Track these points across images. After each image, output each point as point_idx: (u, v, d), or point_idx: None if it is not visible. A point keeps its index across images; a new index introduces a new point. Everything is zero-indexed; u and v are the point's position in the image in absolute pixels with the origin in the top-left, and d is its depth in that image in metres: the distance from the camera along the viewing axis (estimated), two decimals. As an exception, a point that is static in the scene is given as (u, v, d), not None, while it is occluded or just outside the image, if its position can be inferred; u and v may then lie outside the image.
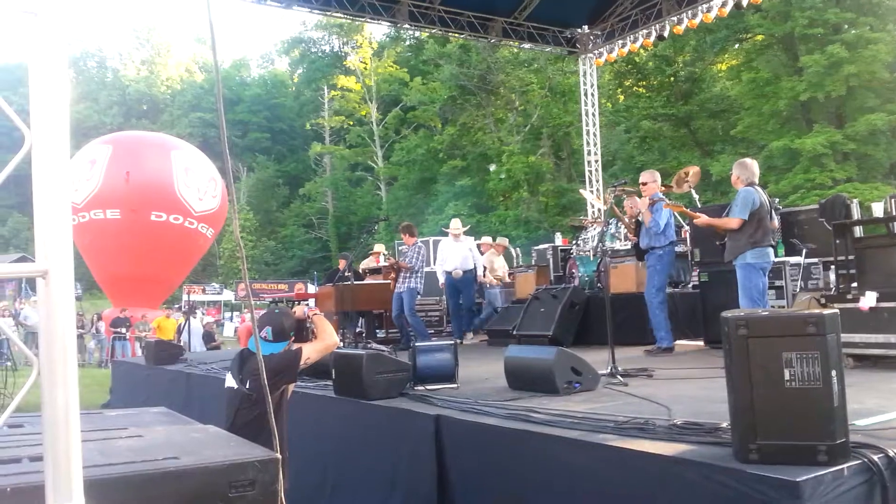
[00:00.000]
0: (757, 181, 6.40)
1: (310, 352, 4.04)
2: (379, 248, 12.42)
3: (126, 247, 22.00)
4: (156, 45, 63.13)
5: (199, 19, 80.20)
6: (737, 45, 32.52)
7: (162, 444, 2.60)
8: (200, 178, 23.78)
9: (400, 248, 11.90)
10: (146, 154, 23.24)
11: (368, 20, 13.88)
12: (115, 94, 58.40)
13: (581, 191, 15.17)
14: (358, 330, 10.28)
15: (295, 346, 4.05)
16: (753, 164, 6.47)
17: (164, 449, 2.47)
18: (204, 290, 36.40)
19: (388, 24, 14.22)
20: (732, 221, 6.22)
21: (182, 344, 12.83)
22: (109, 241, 22.19)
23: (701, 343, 7.74)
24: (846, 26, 26.47)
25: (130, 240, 21.92)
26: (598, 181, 15.59)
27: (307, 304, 10.12)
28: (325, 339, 4.20)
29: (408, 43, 52.01)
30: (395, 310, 9.74)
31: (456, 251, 10.26)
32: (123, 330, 20.05)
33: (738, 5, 12.43)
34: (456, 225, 10.53)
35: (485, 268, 11.36)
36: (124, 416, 3.41)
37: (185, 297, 23.31)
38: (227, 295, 39.19)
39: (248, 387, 3.77)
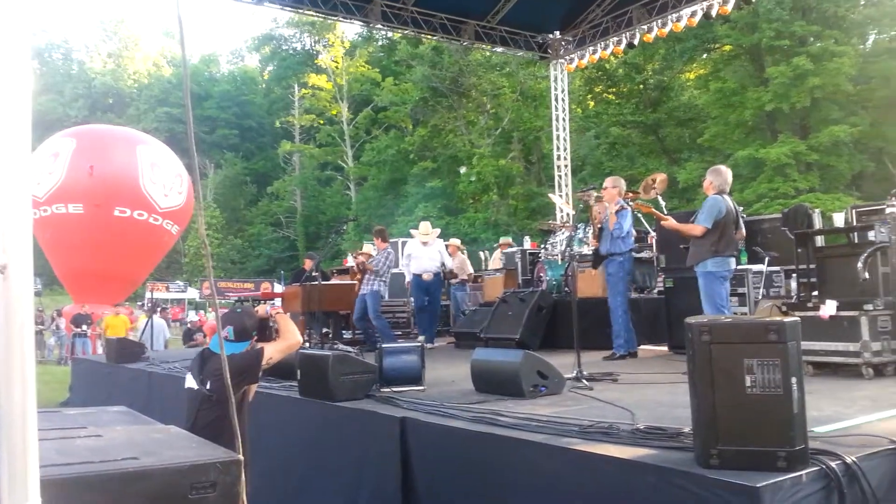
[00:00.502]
0: (728, 189, 6.49)
1: (272, 352, 3.98)
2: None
3: (88, 242, 21.60)
4: (123, 37, 62.11)
5: (169, 13, 79.24)
6: (705, 55, 33.02)
7: (121, 444, 2.56)
8: (166, 174, 23.45)
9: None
10: (111, 148, 22.84)
11: (341, 19, 13.80)
12: (80, 87, 57.35)
13: (550, 195, 15.28)
14: (325, 331, 10.21)
15: (257, 346, 3.99)
16: (727, 173, 6.55)
17: (123, 449, 2.43)
18: (168, 288, 35.91)
19: (361, 23, 14.14)
20: (696, 228, 6.30)
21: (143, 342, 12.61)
22: (71, 236, 21.76)
23: (665, 348, 7.82)
24: (811, 39, 27.01)
25: (93, 235, 21.51)
26: (567, 186, 15.69)
27: (272, 303, 10.05)
28: (288, 339, 4.14)
29: (380, 43, 51.89)
30: (356, 311, 9.71)
31: (425, 253, 10.08)
32: (84, 327, 19.67)
33: (707, 16, 12.61)
34: (426, 230, 10.33)
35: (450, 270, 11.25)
36: (83, 415, 3.34)
37: (148, 295, 22.94)
38: (192, 293, 38.72)
39: (208, 387, 3.71)
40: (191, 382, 3.86)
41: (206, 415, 3.62)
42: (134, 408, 3.72)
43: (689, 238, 6.53)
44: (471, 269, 12.75)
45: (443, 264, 10.25)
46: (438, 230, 10.78)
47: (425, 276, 9.90)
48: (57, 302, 28.32)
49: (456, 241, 12.83)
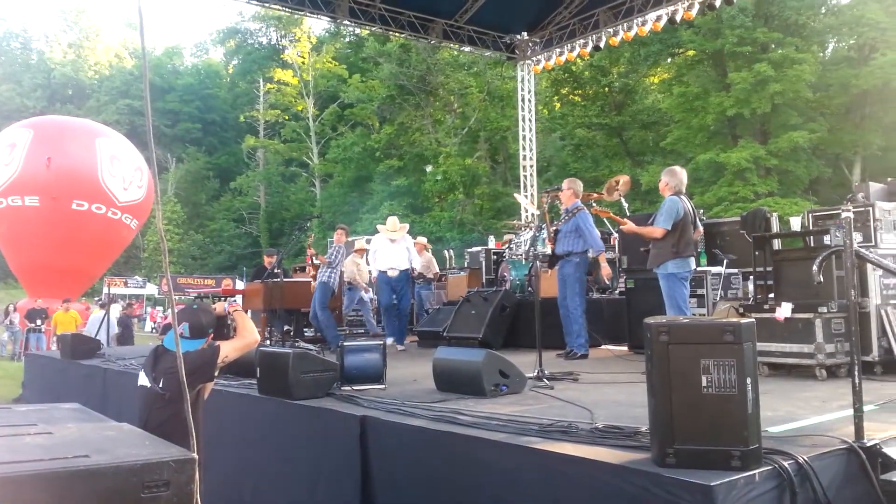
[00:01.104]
0: (684, 190, 6.55)
1: (228, 350, 3.89)
2: (360, 244, 11.72)
3: (45, 236, 21.13)
4: (84, 28, 60.80)
5: (131, 3, 77.82)
6: (669, 60, 33.48)
7: (73, 442, 2.50)
8: (126, 167, 23.03)
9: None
10: (69, 140, 22.36)
11: (308, 14, 13.70)
12: (39, 77, 55.98)
13: (515, 195, 15.34)
14: (286, 328, 10.11)
15: (214, 344, 3.92)
16: (682, 173, 6.60)
17: (74, 447, 2.38)
18: (126, 284, 35.20)
19: (328, 19, 14.05)
20: (656, 230, 6.34)
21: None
22: (27, 230, 21.29)
23: (625, 348, 7.90)
24: (773, 46, 27.55)
25: (49, 229, 21.05)
26: (532, 186, 15.79)
27: (232, 300, 9.90)
28: (246, 337, 4.06)
29: (347, 39, 51.63)
30: (311, 308, 9.60)
31: (392, 248, 9.61)
32: (39, 322, 19.22)
33: (671, 20, 12.77)
34: (394, 226, 9.77)
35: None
36: (34, 412, 3.26)
37: (105, 290, 22.50)
38: (151, 289, 38.08)
39: (161, 385, 3.63)
40: (144, 380, 3.78)
41: (159, 413, 3.55)
42: (89, 405, 3.65)
43: (649, 240, 6.60)
44: (436, 269, 12.74)
45: (410, 263, 9.76)
46: (407, 226, 10.27)
47: (391, 273, 9.40)
48: (11, 296, 27.68)
49: (423, 240, 12.78)
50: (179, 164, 53.41)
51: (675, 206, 6.28)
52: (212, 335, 3.95)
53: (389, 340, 8.96)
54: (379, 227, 10.21)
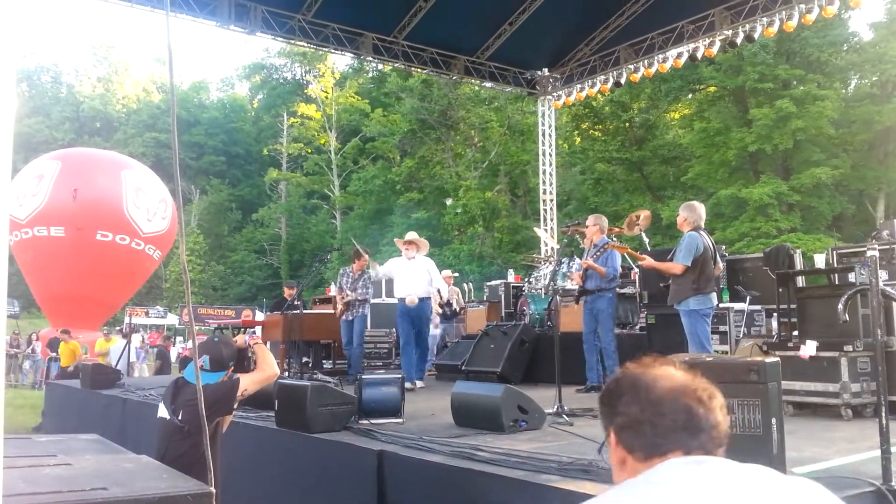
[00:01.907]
0: (703, 225, 6.50)
1: (248, 383, 3.88)
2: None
3: (69, 266, 21.39)
4: (114, 62, 62.20)
5: (160, 39, 79.43)
6: (690, 95, 33.52)
7: (91, 474, 2.51)
8: (151, 199, 23.36)
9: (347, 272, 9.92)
10: (96, 172, 22.74)
11: (332, 51, 13.92)
12: (68, 110, 57.23)
13: (535, 229, 15.34)
14: (304, 360, 10.07)
15: (234, 377, 3.91)
16: (701, 208, 6.57)
17: (92, 479, 2.38)
18: (147, 314, 35.42)
19: (352, 55, 14.26)
20: (676, 267, 6.28)
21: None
22: (52, 259, 21.56)
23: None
24: (795, 82, 27.52)
25: (74, 259, 21.32)
26: (552, 220, 15.78)
27: (252, 332, 9.89)
28: (266, 370, 4.04)
29: (370, 75, 52.31)
30: (345, 336, 9.28)
31: (410, 272, 8.58)
32: (60, 351, 19.35)
33: (692, 57, 12.83)
34: (412, 237, 8.90)
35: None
36: (53, 443, 3.28)
37: (126, 320, 22.67)
38: (172, 319, 38.29)
39: (180, 418, 3.63)
40: (163, 412, 3.77)
41: (178, 446, 3.53)
42: (107, 435, 3.66)
43: (668, 276, 6.54)
44: (462, 303, 12.65)
45: (438, 291, 8.88)
46: (427, 243, 9.15)
47: (409, 301, 8.39)
48: (34, 325, 27.92)
49: (448, 272, 12.70)
50: (203, 195, 54.08)
51: (694, 242, 6.23)
52: (232, 368, 3.95)
53: (408, 385, 7.40)
54: (396, 240, 9.41)
